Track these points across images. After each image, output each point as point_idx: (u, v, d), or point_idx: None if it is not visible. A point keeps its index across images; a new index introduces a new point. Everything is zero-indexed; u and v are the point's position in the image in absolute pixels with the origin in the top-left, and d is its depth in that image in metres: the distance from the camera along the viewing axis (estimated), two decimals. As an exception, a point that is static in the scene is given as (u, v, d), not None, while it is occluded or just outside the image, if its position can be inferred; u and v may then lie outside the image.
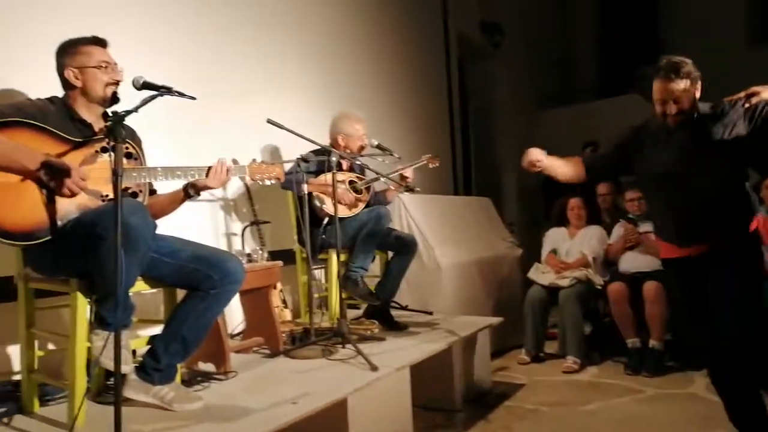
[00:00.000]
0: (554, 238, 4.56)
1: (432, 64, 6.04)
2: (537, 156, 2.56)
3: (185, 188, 2.21)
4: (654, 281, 3.80)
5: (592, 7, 9.52)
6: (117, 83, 2.08)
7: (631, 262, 4.11)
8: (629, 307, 3.90)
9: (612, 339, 4.12)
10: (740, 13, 7.89)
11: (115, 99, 2.08)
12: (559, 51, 9.21)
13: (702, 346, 2.41)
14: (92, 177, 1.95)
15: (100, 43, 2.09)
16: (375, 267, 3.55)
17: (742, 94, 2.19)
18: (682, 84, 2.23)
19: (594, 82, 9.36)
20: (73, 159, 1.93)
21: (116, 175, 1.60)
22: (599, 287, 4.14)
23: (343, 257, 3.29)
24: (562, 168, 2.64)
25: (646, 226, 4.06)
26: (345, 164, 3.49)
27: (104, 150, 2.02)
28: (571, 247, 4.41)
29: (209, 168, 2.16)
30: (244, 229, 3.41)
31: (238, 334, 3.16)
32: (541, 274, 4.30)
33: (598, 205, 4.88)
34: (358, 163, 3.48)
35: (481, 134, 7.54)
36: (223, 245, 3.42)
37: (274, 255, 3.19)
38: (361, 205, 3.37)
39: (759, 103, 2.14)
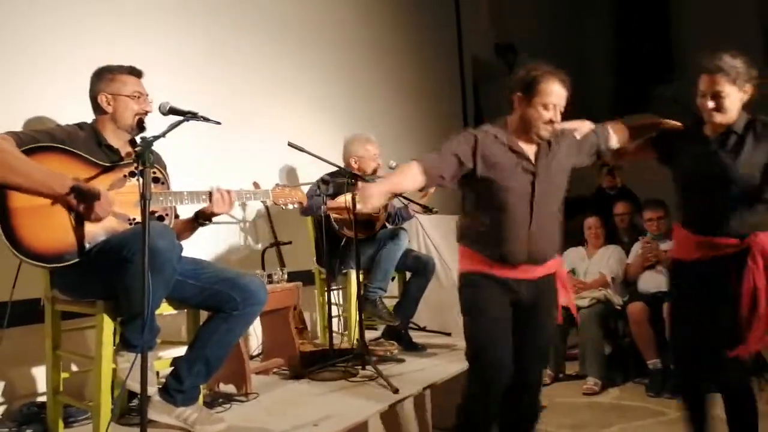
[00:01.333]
0: (572, 257, 4.53)
1: (447, 87, 6.09)
2: None
3: (196, 216, 2.25)
4: (674, 301, 3.75)
5: (606, 26, 9.56)
6: (146, 113, 2.14)
7: (651, 281, 4.07)
8: (649, 327, 3.85)
9: (633, 360, 4.07)
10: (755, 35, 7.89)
11: (141, 127, 2.14)
12: (573, 70, 9.20)
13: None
14: (120, 201, 2.00)
15: (136, 73, 2.16)
16: (393, 288, 3.56)
17: None
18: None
19: (608, 101, 9.37)
20: (101, 183, 1.97)
21: (144, 199, 1.63)
22: (619, 307, 4.10)
23: (362, 278, 3.31)
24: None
25: (665, 245, 4.04)
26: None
27: (132, 174, 2.06)
28: (590, 266, 4.38)
29: (215, 191, 2.17)
30: (264, 250, 3.44)
31: (257, 356, 3.18)
32: (560, 295, 4.27)
33: (615, 224, 4.85)
34: (373, 184, 3.50)
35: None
36: (244, 266, 3.45)
37: (293, 276, 3.22)
38: (379, 225, 3.39)
39: None
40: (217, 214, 2.22)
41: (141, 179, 1.67)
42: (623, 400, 3.66)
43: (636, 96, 8.78)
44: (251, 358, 3.14)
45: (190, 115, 1.88)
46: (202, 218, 2.24)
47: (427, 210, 3.35)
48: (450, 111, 6.12)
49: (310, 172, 3.47)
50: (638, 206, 4.75)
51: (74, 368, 2.49)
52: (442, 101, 5.94)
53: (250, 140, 3.51)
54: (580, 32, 9.60)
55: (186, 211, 2.31)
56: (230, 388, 2.59)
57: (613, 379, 4.02)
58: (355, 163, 3.46)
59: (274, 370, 2.95)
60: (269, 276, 2.99)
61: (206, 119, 1.92)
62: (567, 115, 2.26)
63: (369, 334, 3.70)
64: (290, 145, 2.72)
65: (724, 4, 8.07)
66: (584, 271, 4.39)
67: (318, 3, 4.37)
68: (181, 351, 2.17)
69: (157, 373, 2.21)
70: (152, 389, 1.99)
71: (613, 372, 4.10)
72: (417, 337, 3.52)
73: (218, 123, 1.96)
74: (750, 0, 8.10)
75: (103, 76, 2.12)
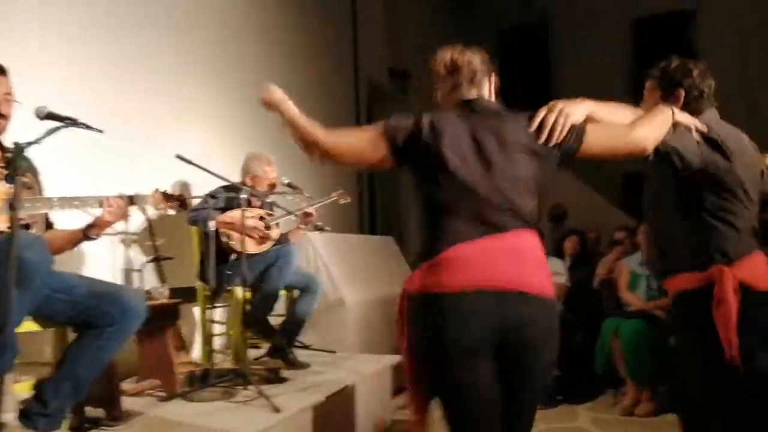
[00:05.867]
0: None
1: (343, 106, 6.19)
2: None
3: (84, 230, 2.11)
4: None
5: (494, 55, 10.15)
6: (3, 116, 1.97)
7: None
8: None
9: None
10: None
11: None
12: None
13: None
14: (-19, 207, 1.83)
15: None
16: (280, 305, 3.52)
17: None
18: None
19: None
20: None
21: (13, 208, 1.52)
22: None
23: (248, 295, 3.25)
24: None
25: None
26: (255, 202, 3.48)
27: (-3, 180, 1.90)
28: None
29: (105, 199, 2.06)
30: (144, 265, 3.28)
31: (131, 376, 3.00)
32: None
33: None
34: (268, 201, 3.47)
35: (386, 174, 7.74)
36: (120, 282, 3.26)
37: (175, 292, 3.09)
38: (270, 243, 3.35)
39: None
40: (109, 225, 2.09)
41: (10, 186, 1.55)
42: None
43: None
44: (123, 379, 2.97)
45: (69, 122, 1.77)
46: (94, 231, 2.10)
47: (318, 228, 3.36)
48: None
49: (204, 185, 3.36)
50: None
51: None
52: (338, 120, 5.99)
53: (137, 152, 3.35)
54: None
55: (60, 220, 2.16)
56: (99, 412, 2.42)
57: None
58: (250, 181, 3.42)
59: (149, 391, 2.80)
60: (148, 292, 2.85)
61: (87, 126, 1.82)
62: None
63: (253, 353, 3.63)
64: (178, 157, 2.63)
65: (599, 48, 8.87)
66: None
67: (219, 21, 4.31)
68: (42, 372, 2.01)
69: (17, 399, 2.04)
70: (10, 415, 1.83)
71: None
72: (302, 355, 3.50)
73: (100, 131, 1.86)
74: (622, 43, 8.96)
75: None
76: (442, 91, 1.80)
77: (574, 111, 1.61)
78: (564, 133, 1.58)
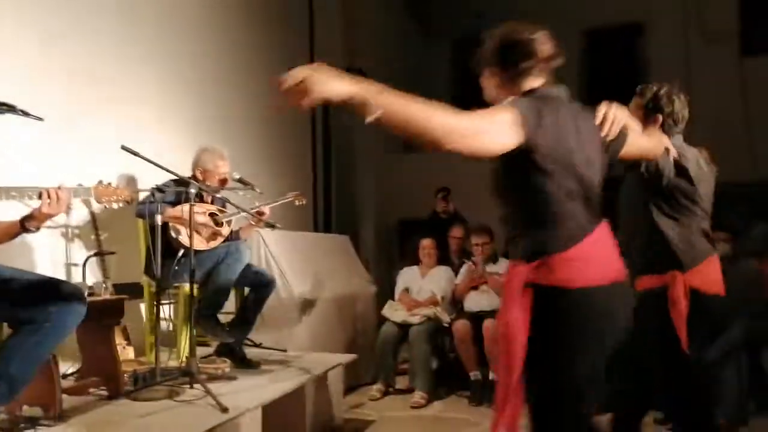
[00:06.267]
0: (407, 277, 4.76)
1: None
2: None
3: (22, 221, 2.02)
4: (493, 319, 4.09)
5: (447, 65, 10.28)
6: None
7: (475, 301, 4.40)
8: (472, 344, 4.16)
9: (457, 374, 4.36)
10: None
11: None
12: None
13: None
14: None
15: None
16: (230, 303, 3.46)
17: None
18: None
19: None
20: None
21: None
22: (446, 325, 4.37)
23: (196, 292, 3.18)
24: None
25: (490, 268, 4.41)
26: (206, 197, 3.40)
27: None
28: (423, 285, 4.63)
29: (44, 191, 1.97)
30: (86, 260, 3.16)
31: (72, 374, 2.90)
32: (394, 312, 4.46)
33: (449, 246, 5.19)
34: (219, 197, 3.40)
35: (342, 173, 7.72)
36: (61, 277, 3.14)
37: (119, 288, 2.99)
38: (220, 239, 3.29)
39: None
40: (48, 217, 2.01)
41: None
42: (446, 413, 3.90)
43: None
44: (65, 377, 2.86)
45: (5, 108, 1.70)
46: (33, 224, 2.01)
47: (269, 225, 3.31)
48: (300, 126, 6.16)
49: (153, 178, 3.26)
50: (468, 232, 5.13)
51: None
52: (292, 118, 5.95)
53: (81, 142, 3.24)
54: (426, 68, 10.21)
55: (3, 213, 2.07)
56: (36, 411, 2.33)
57: (439, 393, 4.27)
58: (201, 175, 3.34)
59: (91, 389, 2.71)
60: (90, 288, 2.76)
61: (26, 114, 1.75)
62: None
63: (201, 351, 3.55)
64: (124, 148, 2.55)
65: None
66: (417, 290, 4.62)
67: (173, 14, 4.21)
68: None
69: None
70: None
71: (439, 385, 4.36)
72: (252, 354, 3.45)
73: (40, 119, 1.79)
74: (574, 53, 9.18)
75: None
76: (523, 73, 1.65)
77: (622, 115, 1.69)
78: (616, 132, 1.66)
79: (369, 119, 1.30)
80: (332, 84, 1.29)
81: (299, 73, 1.28)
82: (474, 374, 4.14)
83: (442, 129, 1.36)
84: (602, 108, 1.64)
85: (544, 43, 1.64)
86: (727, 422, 3.17)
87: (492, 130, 1.44)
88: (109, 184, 2.25)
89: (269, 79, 1.31)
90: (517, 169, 1.54)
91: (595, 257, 1.55)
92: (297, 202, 3.65)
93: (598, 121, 1.63)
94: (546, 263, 1.52)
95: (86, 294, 2.64)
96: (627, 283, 1.64)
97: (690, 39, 8.40)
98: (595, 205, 1.61)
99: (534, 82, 1.64)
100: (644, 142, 1.88)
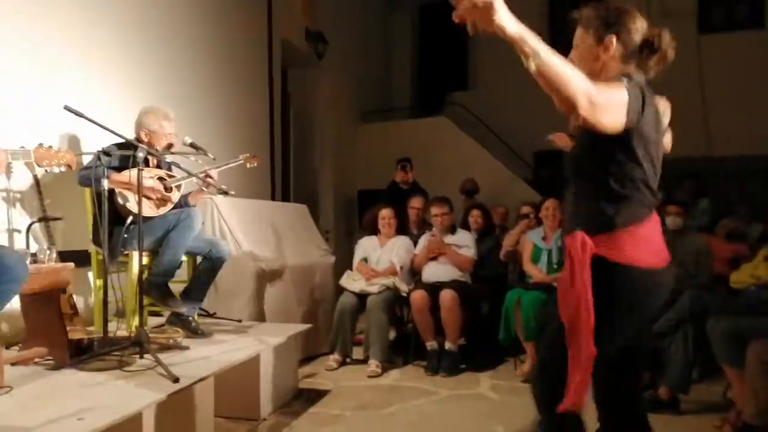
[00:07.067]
0: (366, 246, 4.74)
1: (254, 68, 5.93)
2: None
3: None
4: (450, 290, 4.13)
5: (410, 34, 10.16)
6: None
7: (433, 271, 4.42)
8: (429, 314, 4.19)
9: (414, 344, 4.39)
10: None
11: None
12: (380, 69, 9.66)
13: None
14: None
15: None
16: (182, 271, 3.38)
17: None
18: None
19: (410, 102, 9.97)
20: None
21: None
22: (404, 294, 4.39)
23: (147, 260, 3.09)
24: None
25: (448, 239, 4.42)
26: (152, 161, 3.28)
27: None
28: (381, 255, 4.62)
29: None
30: (30, 226, 3.03)
31: (16, 344, 2.79)
32: (352, 281, 4.44)
33: (408, 216, 5.18)
34: (167, 161, 3.28)
35: (301, 141, 7.60)
36: (2, 243, 3.00)
37: (66, 256, 2.88)
38: (170, 205, 3.19)
39: None
40: None
41: None
42: (403, 382, 3.93)
43: (434, 98, 9.49)
44: (8, 347, 2.75)
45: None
46: None
47: (222, 192, 3.21)
48: (256, 92, 5.99)
49: (98, 142, 3.12)
50: (428, 202, 5.13)
51: None
52: (249, 82, 5.78)
53: (20, 101, 3.06)
54: (388, 32, 10.06)
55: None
56: (-25, 382, 2.24)
57: (395, 362, 4.31)
58: (146, 136, 3.20)
59: (36, 360, 2.61)
60: (33, 255, 2.64)
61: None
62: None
63: (153, 321, 3.48)
64: (67, 108, 2.41)
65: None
66: (376, 260, 4.61)
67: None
68: None
69: None
70: None
71: (395, 355, 4.39)
72: (206, 324, 3.39)
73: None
74: (539, 18, 9.17)
75: None
76: (643, 60, 1.74)
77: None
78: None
79: (529, 66, 1.37)
80: (507, 19, 1.34)
81: None
82: (430, 344, 4.18)
83: (584, 96, 1.41)
84: None
85: (669, 45, 1.74)
86: (668, 390, 3.29)
87: (616, 110, 1.52)
88: (50, 147, 2.14)
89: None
90: (611, 147, 1.63)
91: (653, 238, 1.69)
92: (248, 165, 3.55)
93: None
94: (614, 237, 1.65)
95: (29, 261, 2.54)
96: (671, 268, 1.74)
97: (651, 15, 8.49)
98: (655, 190, 1.71)
99: (635, 69, 1.72)
100: None
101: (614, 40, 1.71)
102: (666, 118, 1.90)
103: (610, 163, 1.66)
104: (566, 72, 1.40)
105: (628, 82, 1.60)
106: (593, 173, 1.71)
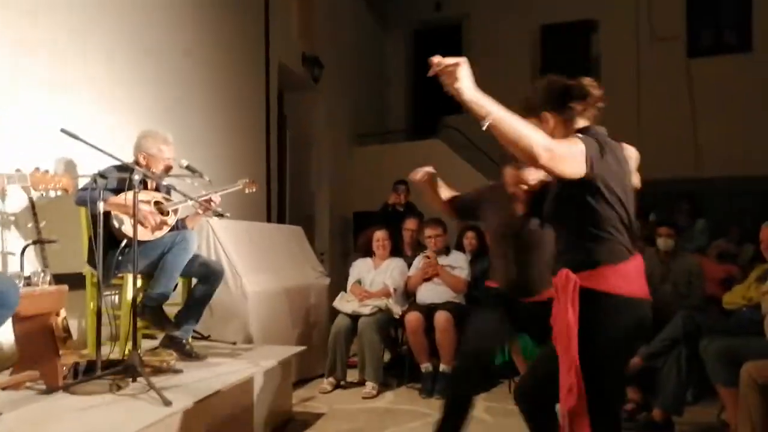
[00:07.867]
0: (360, 268, 4.74)
1: (251, 91, 6.00)
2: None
3: None
4: (445, 311, 4.13)
5: (404, 58, 10.29)
6: None
7: (427, 293, 4.42)
8: (424, 335, 4.19)
9: (409, 365, 4.38)
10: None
11: None
12: (376, 93, 9.76)
13: None
14: None
15: None
16: (177, 294, 3.38)
17: None
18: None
19: (405, 125, 10.05)
20: None
21: None
22: (398, 316, 4.38)
23: (141, 283, 3.09)
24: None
25: (442, 260, 4.44)
26: (150, 184, 3.30)
27: None
28: (375, 277, 4.62)
29: None
30: (24, 249, 3.03)
31: (8, 368, 2.78)
32: (345, 303, 4.44)
33: (402, 238, 5.19)
34: (164, 184, 3.30)
35: (297, 164, 7.64)
36: (-2, 267, 3.01)
37: (60, 278, 2.88)
38: (166, 229, 3.20)
39: None
40: None
41: None
42: (397, 404, 3.91)
43: (428, 121, 9.57)
44: (-1, 370, 2.74)
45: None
46: None
47: (218, 214, 3.23)
48: (253, 114, 6.04)
49: (95, 165, 3.14)
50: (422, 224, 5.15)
51: None
52: (246, 105, 5.84)
53: (17, 125, 3.09)
54: (383, 56, 10.19)
55: None
56: (-35, 407, 2.22)
57: (390, 384, 4.29)
58: (144, 159, 3.22)
59: (27, 384, 2.60)
60: (27, 278, 2.64)
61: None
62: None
63: (147, 344, 3.46)
64: (63, 131, 2.43)
65: (507, 46, 9.19)
66: (370, 282, 4.61)
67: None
68: None
69: None
70: None
71: (390, 377, 4.37)
72: (200, 347, 3.38)
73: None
74: (531, 47, 9.33)
75: None
76: (578, 114, 1.88)
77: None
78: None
79: (482, 124, 1.57)
80: (466, 87, 1.57)
81: (453, 61, 1.56)
82: (425, 366, 4.17)
83: (542, 148, 1.60)
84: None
85: (594, 87, 1.88)
86: (662, 412, 3.28)
87: (575, 159, 1.69)
88: (47, 171, 2.16)
89: (428, 59, 1.58)
90: (581, 193, 1.77)
91: (636, 276, 1.83)
92: (247, 190, 3.57)
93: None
94: (598, 272, 1.78)
95: (21, 284, 2.54)
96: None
97: (640, 39, 8.69)
98: (633, 232, 1.84)
99: (584, 121, 1.87)
100: None
101: (548, 116, 1.88)
102: (633, 163, 2.00)
103: (583, 208, 1.79)
104: (522, 128, 1.59)
105: (583, 135, 1.77)
106: (570, 217, 1.86)
